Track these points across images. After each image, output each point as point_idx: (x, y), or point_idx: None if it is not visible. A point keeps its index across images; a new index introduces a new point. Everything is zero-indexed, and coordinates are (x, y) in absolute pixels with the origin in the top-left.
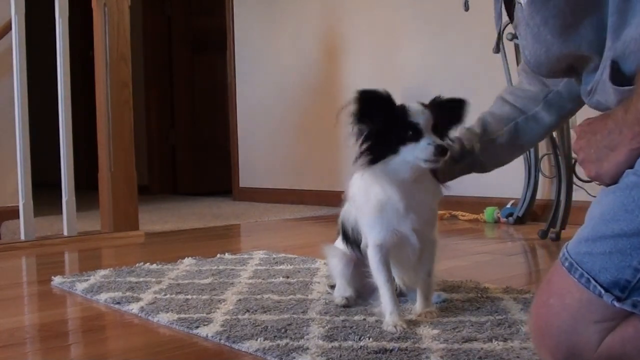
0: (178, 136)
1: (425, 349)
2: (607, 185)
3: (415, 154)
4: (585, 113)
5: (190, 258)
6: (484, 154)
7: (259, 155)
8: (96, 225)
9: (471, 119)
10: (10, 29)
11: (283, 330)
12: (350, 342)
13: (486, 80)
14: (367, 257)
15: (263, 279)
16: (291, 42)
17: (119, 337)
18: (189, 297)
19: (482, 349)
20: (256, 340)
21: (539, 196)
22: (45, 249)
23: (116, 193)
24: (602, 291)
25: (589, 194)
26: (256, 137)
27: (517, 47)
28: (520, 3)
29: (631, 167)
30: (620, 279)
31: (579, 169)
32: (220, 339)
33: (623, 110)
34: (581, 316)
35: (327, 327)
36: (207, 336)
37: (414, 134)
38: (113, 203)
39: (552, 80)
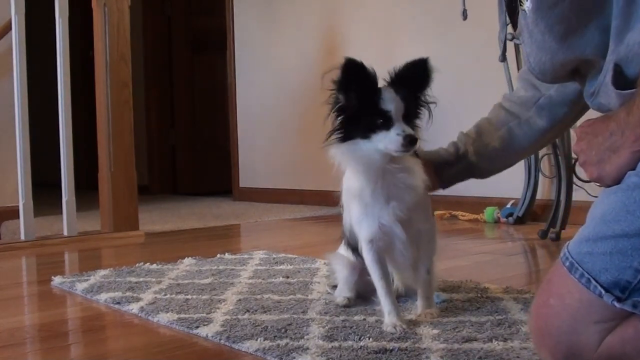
0: (178, 136)
1: (425, 349)
2: (608, 187)
3: (385, 143)
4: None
5: (190, 258)
6: (479, 159)
7: (259, 155)
8: (96, 225)
9: (470, 121)
10: (10, 29)
11: (283, 330)
12: (350, 342)
13: (486, 80)
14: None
15: (263, 279)
16: (291, 42)
17: (119, 337)
18: (189, 297)
19: (482, 349)
20: (256, 340)
21: (539, 196)
22: (45, 249)
23: (116, 193)
24: (603, 291)
25: (589, 194)
26: (256, 137)
27: (517, 47)
28: (524, 10)
29: (633, 169)
30: (620, 279)
31: (579, 169)
32: (220, 339)
33: (625, 112)
34: (581, 316)
35: (327, 327)
36: (207, 336)
37: (385, 122)
38: (113, 203)
39: (545, 85)
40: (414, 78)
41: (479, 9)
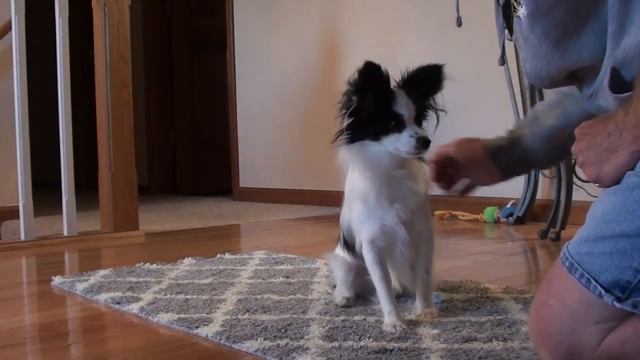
0: (178, 136)
1: (425, 349)
2: (607, 187)
3: (397, 145)
4: None
5: (190, 258)
6: (534, 140)
7: (259, 155)
8: (96, 225)
9: (471, 120)
10: (10, 29)
11: (283, 330)
12: (350, 342)
13: (487, 80)
14: (363, 256)
15: (263, 279)
16: (291, 42)
17: (119, 337)
18: (189, 297)
19: (482, 349)
20: (256, 340)
21: (539, 196)
22: (45, 249)
23: (116, 193)
24: (603, 291)
25: (589, 194)
26: (256, 137)
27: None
28: (518, 17)
29: (632, 169)
30: (620, 279)
31: (578, 169)
32: (220, 339)
33: (623, 112)
34: (581, 317)
35: (327, 327)
36: (207, 336)
37: (397, 125)
38: (113, 203)
39: None
40: (427, 82)
41: (479, 9)
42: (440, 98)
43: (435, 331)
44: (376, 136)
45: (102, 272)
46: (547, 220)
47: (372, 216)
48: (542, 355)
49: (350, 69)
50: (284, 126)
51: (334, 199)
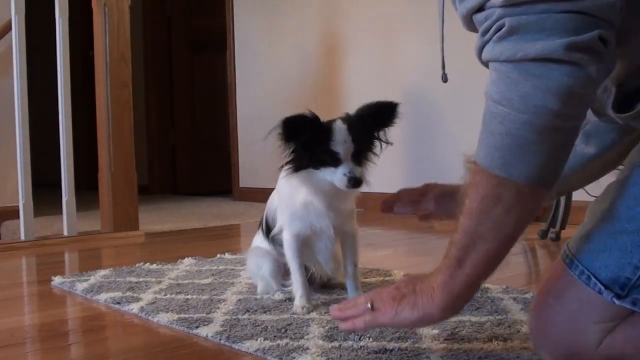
0: (178, 136)
1: (425, 349)
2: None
3: (332, 179)
4: None
5: (190, 258)
6: None
7: (259, 155)
8: (96, 225)
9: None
10: (10, 29)
11: (283, 330)
12: (350, 342)
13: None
14: (281, 243)
15: None
16: (291, 42)
17: (119, 337)
18: (189, 297)
19: (482, 349)
20: (256, 340)
21: None
22: (45, 249)
23: (116, 193)
24: (602, 288)
25: (589, 194)
26: (256, 137)
27: None
28: None
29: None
30: (620, 276)
31: None
32: (220, 339)
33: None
34: (581, 316)
35: (327, 327)
36: (207, 336)
37: (333, 161)
38: (113, 203)
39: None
40: (378, 118)
41: None
42: (438, 100)
43: (435, 331)
44: (316, 166)
45: (102, 272)
46: (547, 220)
47: (305, 219)
48: (542, 355)
49: (350, 69)
50: None
51: None
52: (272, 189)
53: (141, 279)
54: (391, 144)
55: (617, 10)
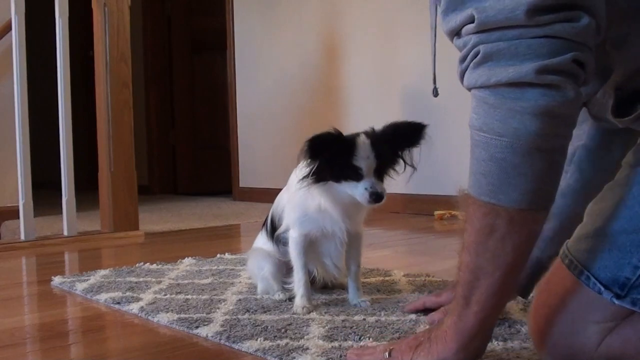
0: (178, 136)
1: None
2: None
3: (354, 193)
4: None
5: (190, 258)
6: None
7: (259, 155)
8: (96, 225)
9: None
10: (10, 29)
11: (283, 330)
12: (350, 342)
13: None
14: (286, 242)
15: None
16: (291, 42)
17: (119, 337)
18: (189, 297)
19: None
20: (256, 340)
21: None
22: (45, 249)
23: (116, 193)
24: (602, 288)
25: None
26: (256, 137)
27: None
28: None
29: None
30: (619, 276)
31: None
32: (220, 339)
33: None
34: (581, 317)
35: (327, 327)
36: (207, 336)
37: (355, 176)
38: (113, 203)
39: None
40: (404, 137)
41: None
42: (439, 101)
43: None
44: (337, 180)
45: (102, 272)
46: None
47: (315, 222)
48: (542, 356)
49: (350, 69)
50: (284, 126)
51: None
52: (272, 189)
53: (141, 279)
54: (415, 169)
55: (592, 32)
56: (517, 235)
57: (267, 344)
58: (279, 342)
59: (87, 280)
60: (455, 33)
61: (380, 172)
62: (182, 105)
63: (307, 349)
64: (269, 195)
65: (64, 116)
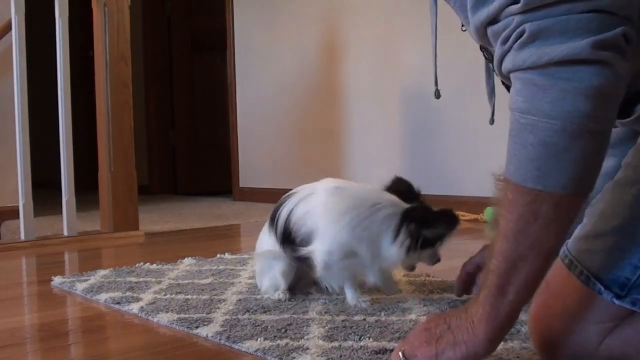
0: (178, 136)
1: None
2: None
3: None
4: None
5: (190, 258)
6: None
7: (259, 155)
8: (96, 225)
9: (471, 124)
10: (10, 29)
11: (283, 330)
12: (350, 342)
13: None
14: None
15: None
16: (291, 42)
17: (119, 337)
18: (189, 297)
19: None
20: (256, 340)
21: None
22: (45, 249)
23: (116, 193)
24: (602, 288)
25: None
26: (256, 137)
27: None
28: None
29: None
30: (619, 276)
31: None
32: (220, 339)
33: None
34: (580, 317)
35: (327, 327)
36: (207, 336)
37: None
38: (113, 203)
39: None
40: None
41: None
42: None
43: None
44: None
45: (102, 272)
46: None
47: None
48: (542, 356)
49: (350, 69)
50: (284, 126)
51: None
52: (272, 189)
53: (141, 279)
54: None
55: (635, 7)
56: (561, 221)
57: (267, 344)
58: (279, 342)
59: (87, 280)
60: (491, 20)
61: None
62: (182, 105)
63: (307, 349)
64: (269, 195)
65: (64, 116)
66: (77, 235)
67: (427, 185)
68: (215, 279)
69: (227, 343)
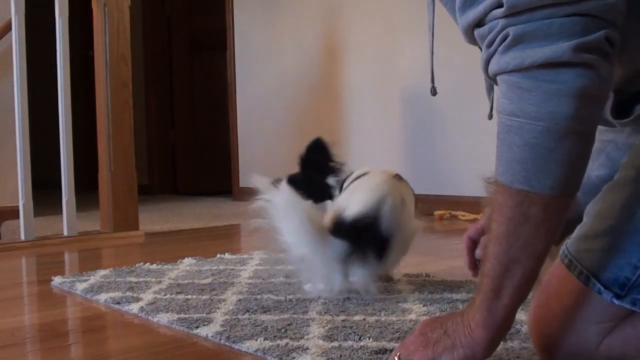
0: (178, 136)
1: None
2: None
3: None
4: None
5: (190, 258)
6: (584, 195)
7: (259, 155)
8: (96, 225)
9: (470, 120)
10: (10, 29)
11: (283, 330)
12: (350, 342)
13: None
14: None
15: (263, 279)
16: (291, 42)
17: (119, 337)
18: (189, 297)
19: None
20: (256, 340)
21: None
22: (45, 249)
23: (116, 193)
24: (602, 288)
25: None
26: (256, 137)
27: None
28: None
29: None
30: (619, 276)
31: None
32: (220, 339)
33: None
34: (580, 317)
35: (327, 327)
36: (207, 336)
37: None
38: (113, 203)
39: None
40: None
41: None
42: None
43: None
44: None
45: (102, 272)
46: None
47: None
48: (542, 356)
49: (350, 69)
50: (284, 126)
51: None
52: None
53: (141, 279)
54: None
55: (618, 12)
56: (550, 222)
57: (267, 344)
58: (279, 342)
59: (87, 280)
60: (477, 23)
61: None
62: (182, 105)
63: (307, 349)
64: None
65: (64, 116)
66: (77, 235)
67: (427, 185)
68: (215, 279)
69: (227, 343)
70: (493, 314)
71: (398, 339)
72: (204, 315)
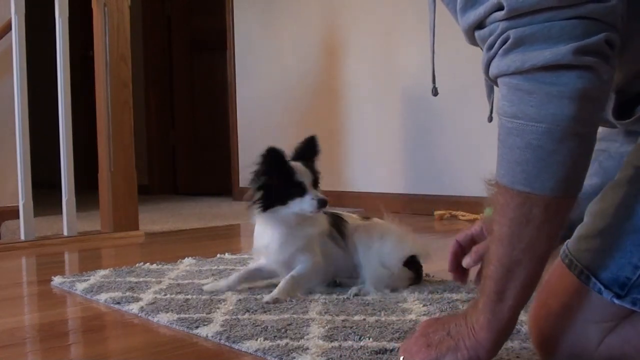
0: (178, 136)
1: None
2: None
3: (302, 207)
4: None
5: (190, 258)
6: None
7: (258, 155)
8: (96, 225)
9: (470, 122)
10: (10, 29)
11: (283, 330)
12: (350, 342)
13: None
14: None
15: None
16: (291, 41)
17: (119, 337)
18: (189, 297)
19: None
20: (256, 340)
21: None
22: (45, 249)
23: (116, 193)
24: (602, 288)
25: None
26: (256, 137)
27: None
28: None
29: None
30: (620, 275)
31: None
32: (220, 339)
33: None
34: (580, 316)
35: (327, 327)
36: (207, 336)
37: (300, 191)
38: (113, 203)
39: None
40: (310, 151)
41: None
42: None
43: None
44: (284, 201)
45: (102, 272)
46: None
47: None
48: (541, 355)
49: (350, 69)
50: (284, 126)
51: (333, 198)
52: None
53: (141, 279)
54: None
55: (618, 14)
56: (551, 224)
57: (267, 344)
58: (279, 342)
59: (87, 280)
60: (477, 25)
61: (315, 183)
62: (182, 105)
63: (307, 349)
64: None
65: (64, 116)
66: (77, 235)
67: (427, 185)
68: (215, 279)
69: (227, 343)
70: (497, 316)
71: (398, 339)
72: (204, 315)
